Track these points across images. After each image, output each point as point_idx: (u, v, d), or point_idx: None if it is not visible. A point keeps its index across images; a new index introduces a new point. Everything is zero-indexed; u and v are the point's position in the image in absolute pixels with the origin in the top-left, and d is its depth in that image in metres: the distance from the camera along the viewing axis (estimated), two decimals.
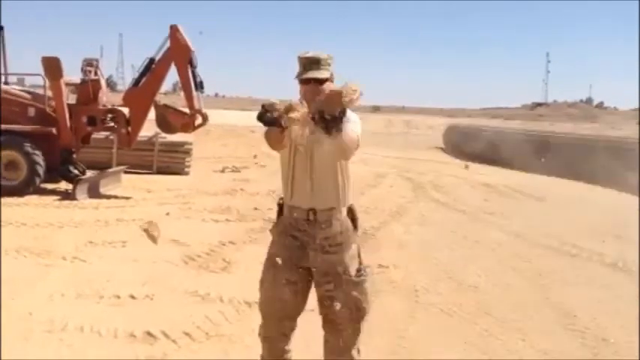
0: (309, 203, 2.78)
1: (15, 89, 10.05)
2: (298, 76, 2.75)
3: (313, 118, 2.38)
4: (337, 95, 2.35)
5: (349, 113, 2.52)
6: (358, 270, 2.83)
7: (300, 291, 2.85)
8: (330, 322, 2.85)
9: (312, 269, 2.82)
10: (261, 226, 7.22)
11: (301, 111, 2.40)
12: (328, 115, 2.35)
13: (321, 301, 2.84)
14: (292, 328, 2.95)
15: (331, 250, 2.78)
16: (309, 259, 2.80)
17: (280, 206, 2.93)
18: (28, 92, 10.21)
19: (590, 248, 6.92)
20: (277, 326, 2.91)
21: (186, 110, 9.61)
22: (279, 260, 2.82)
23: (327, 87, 2.66)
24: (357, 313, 2.82)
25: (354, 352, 2.91)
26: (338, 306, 2.78)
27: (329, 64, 2.74)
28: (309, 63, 2.72)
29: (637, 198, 10.98)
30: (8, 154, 9.21)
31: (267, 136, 2.64)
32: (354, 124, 2.64)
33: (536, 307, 4.93)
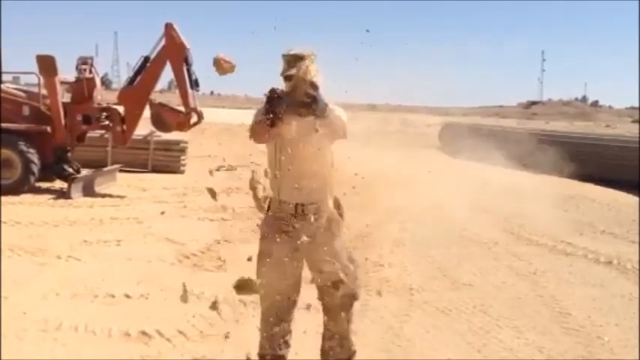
0: (297, 198, 2.91)
1: (10, 88, 10.01)
2: (283, 72, 2.89)
3: (299, 113, 2.66)
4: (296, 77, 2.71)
5: (333, 105, 2.83)
6: (348, 259, 3.02)
7: (294, 280, 3.03)
8: (324, 306, 3.07)
9: (306, 260, 3.00)
10: (256, 225, 7.21)
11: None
12: (305, 98, 2.63)
13: (319, 288, 3.05)
14: (290, 316, 3.11)
15: (321, 242, 2.93)
16: (300, 251, 2.95)
17: (268, 201, 3.04)
18: (23, 91, 10.17)
19: (584, 246, 6.93)
20: (276, 315, 3.07)
21: (182, 108, 9.59)
22: (272, 252, 2.98)
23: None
24: (350, 298, 3.03)
25: (350, 337, 3.15)
26: (331, 292, 3.00)
27: (312, 61, 2.88)
28: (294, 60, 2.87)
29: (630, 196, 11.02)
30: (3, 152, 9.17)
31: (255, 129, 2.82)
32: (339, 110, 2.86)
33: (531, 305, 4.94)
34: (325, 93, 2.89)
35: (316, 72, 2.80)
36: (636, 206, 9.79)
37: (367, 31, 2.88)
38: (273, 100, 2.64)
